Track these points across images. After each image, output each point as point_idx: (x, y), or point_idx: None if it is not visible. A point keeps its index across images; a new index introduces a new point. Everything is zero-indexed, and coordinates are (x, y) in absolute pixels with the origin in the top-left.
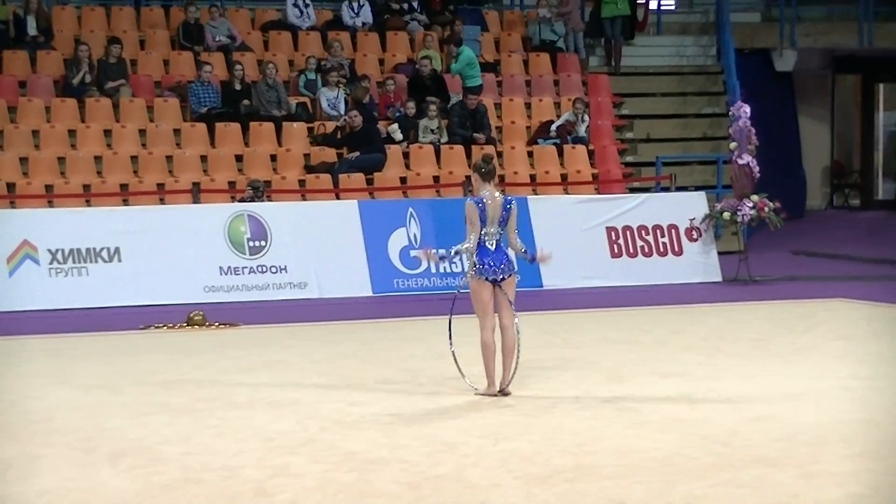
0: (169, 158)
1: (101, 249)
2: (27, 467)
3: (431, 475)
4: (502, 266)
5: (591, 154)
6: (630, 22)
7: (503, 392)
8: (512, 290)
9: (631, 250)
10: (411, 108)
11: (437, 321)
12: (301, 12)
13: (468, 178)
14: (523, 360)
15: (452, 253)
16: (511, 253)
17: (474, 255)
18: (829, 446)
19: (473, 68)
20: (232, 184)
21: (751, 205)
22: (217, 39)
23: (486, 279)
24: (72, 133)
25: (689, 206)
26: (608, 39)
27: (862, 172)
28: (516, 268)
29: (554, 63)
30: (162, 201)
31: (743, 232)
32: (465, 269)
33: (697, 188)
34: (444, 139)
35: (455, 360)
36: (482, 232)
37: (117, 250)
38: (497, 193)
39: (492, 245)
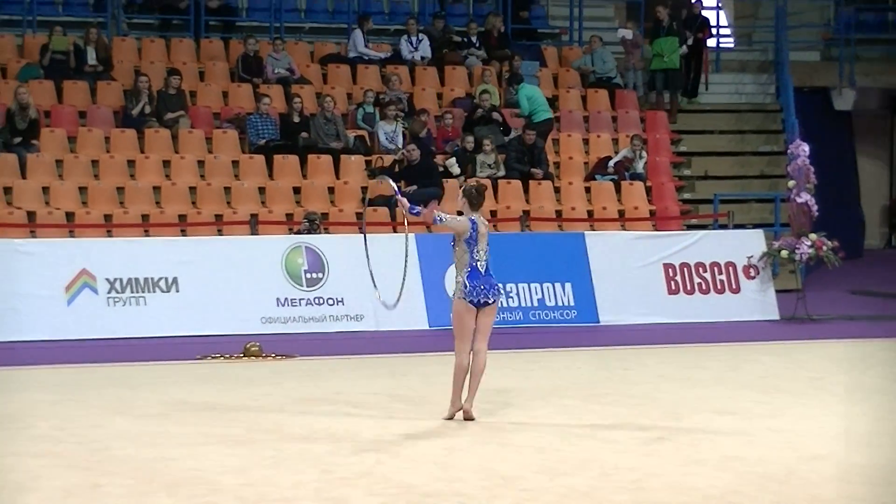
0: (227, 190)
1: (159, 279)
2: (86, 496)
3: None
4: (490, 290)
5: (648, 190)
6: (694, 79)
7: (466, 417)
8: (492, 316)
9: (688, 287)
10: (469, 142)
11: (493, 356)
12: (366, 45)
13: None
14: (584, 395)
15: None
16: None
17: (465, 277)
18: (887, 487)
19: (535, 102)
20: (289, 216)
21: (809, 243)
22: (276, 72)
23: (472, 303)
24: (131, 163)
25: (746, 244)
26: (659, 91)
27: None
28: (501, 295)
29: (612, 99)
30: (220, 232)
31: (801, 270)
32: (453, 293)
33: (755, 226)
34: (501, 173)
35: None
36: (474, 252)
37: (175, 280)
38: (481, 217)
39: (482, 268)
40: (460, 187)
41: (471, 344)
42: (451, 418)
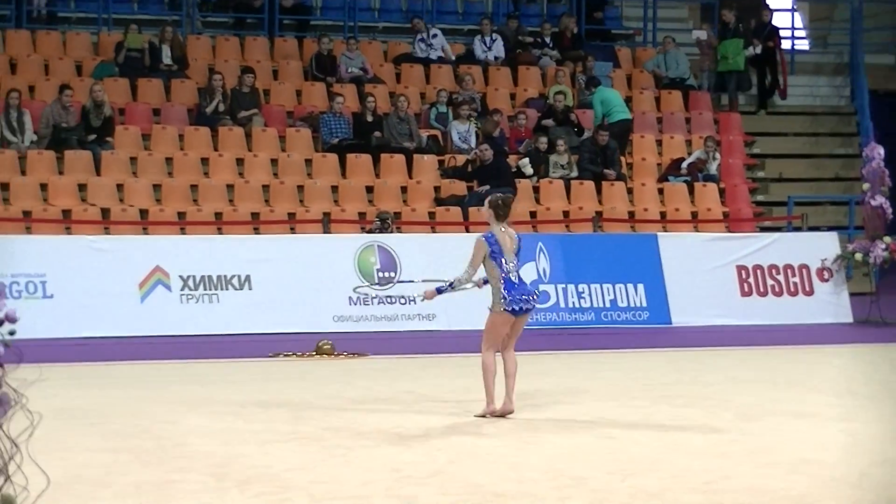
0: (300, 188)
1: (232, 277)
2: (159, 492)
3: None
4: (530, 297)
5: (721, 192)
6: (769, 90)
7: (504, 414)
8: (526, 320)
9: (761, 289)
10: (542, 143)
11: (564, 356)
12: (427, 46)
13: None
14: (655, 396)
15: (448, 285)
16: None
17: (502, 289)
18: None
19: (608, 105)
20: (362, 214)
21: (883, 246)
22: (350, 71)
23: (512, 311)
24: (204, 161)
25: (820, 247)
26: (730, 94)
27: None
28: (538, 299)
29: (685, 100)
30: (292, 230)
31: (875, 273)
32: (490, 304)
33: (829, 228)
34: (574, 174)
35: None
36: (503, 265)
37: (248, 278)
38: (509, 229)
39: (515, 278)
40: (486, 198)
41: (497, 348)
42: (484, 416)
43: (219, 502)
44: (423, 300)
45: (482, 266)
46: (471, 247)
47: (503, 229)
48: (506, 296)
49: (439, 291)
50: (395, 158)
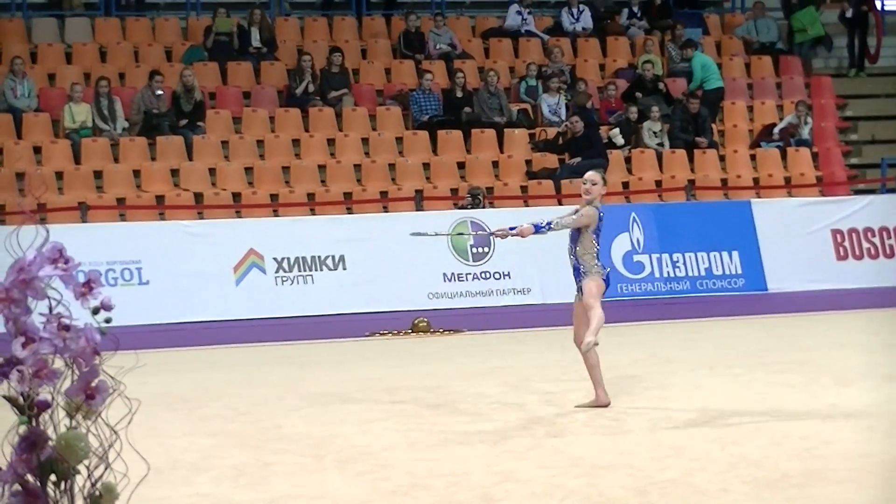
0: (391, 166)
1: (326, 257)
2: (258, 474)
3: (659, 480)
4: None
5: (814, 156)
6: (860, 54)
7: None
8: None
9: (857, 252)
10: (633, 112)
11: (660, 326)
12: (523, 19)
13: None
14: (752, 363)
15: (546, 224)
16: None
17: (597, 259)
18: None
19: (708, 70)
20: (454, 191)
21: None
22: (438, 47)
23: (606, 281)
24: (295, 142)
25: None
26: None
27: None
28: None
29: (776, 65)
30: (385, 209)
31: None
32: (587, 270)
33: None
34: (667, 143)
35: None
36: (598, 240)
37: (342, 258)
38: None
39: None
40: (596, 171)
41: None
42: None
43: (318, 483)
44: (515, 236)
45: (577, 238)
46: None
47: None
48: (604, 265)
49: (537, 229)
50: (485, 133)
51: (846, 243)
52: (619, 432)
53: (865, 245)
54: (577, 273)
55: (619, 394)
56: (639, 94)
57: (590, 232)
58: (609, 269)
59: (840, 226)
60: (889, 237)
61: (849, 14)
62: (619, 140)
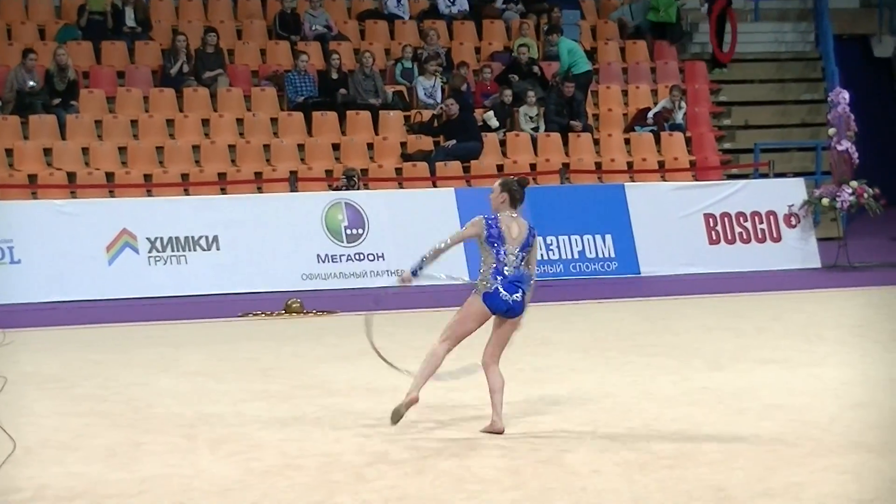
0: (266, 147)
1: (200, 238)
2: (130, 454)
3: (532, 461)
4: (511, 303)
5: (688, 141)
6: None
7: (493, 432)
8: (513, 330)
9: (729, 237)
10: (508, 95)
11: (534, 308)
12: (398, 2)
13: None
14: (626, 346)
15: (422, 260)
16: (528, 288)
17: (489, 277)
18: None
19: (575, 55)
20: (329, 172)
21: (850, 191)
22: (314, 29)
23: (488, 304)
24: (170, 123)
25: (787, 193)
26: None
27: None
28: (525, 308)
29: (651, 50)
30: (259, 190)
31: (842, 218)
32: (476, 284)
33: (796, 175)
34: (542, 127)
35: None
36: (500, 255)
37: (215, 238)
38: (520, 218)
39: (511, 273)
40: (499, 182)
41: (455, 344)
42: (398, 414)
43: (190, 463)
44: (400, 284)
45: (480, 252)
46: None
47: (513, 216)
48: (491, 283)
49: (414, 274)
50: (360, 115)
51: (718, 227)
52: (488, 413)
53: (738, 229)
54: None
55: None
56: (514, 78)
57: (485, 243)
58: (497, 286)
59: (713, 210)
60: (761, 222)
61: (703, 10)
62: (494, 123)
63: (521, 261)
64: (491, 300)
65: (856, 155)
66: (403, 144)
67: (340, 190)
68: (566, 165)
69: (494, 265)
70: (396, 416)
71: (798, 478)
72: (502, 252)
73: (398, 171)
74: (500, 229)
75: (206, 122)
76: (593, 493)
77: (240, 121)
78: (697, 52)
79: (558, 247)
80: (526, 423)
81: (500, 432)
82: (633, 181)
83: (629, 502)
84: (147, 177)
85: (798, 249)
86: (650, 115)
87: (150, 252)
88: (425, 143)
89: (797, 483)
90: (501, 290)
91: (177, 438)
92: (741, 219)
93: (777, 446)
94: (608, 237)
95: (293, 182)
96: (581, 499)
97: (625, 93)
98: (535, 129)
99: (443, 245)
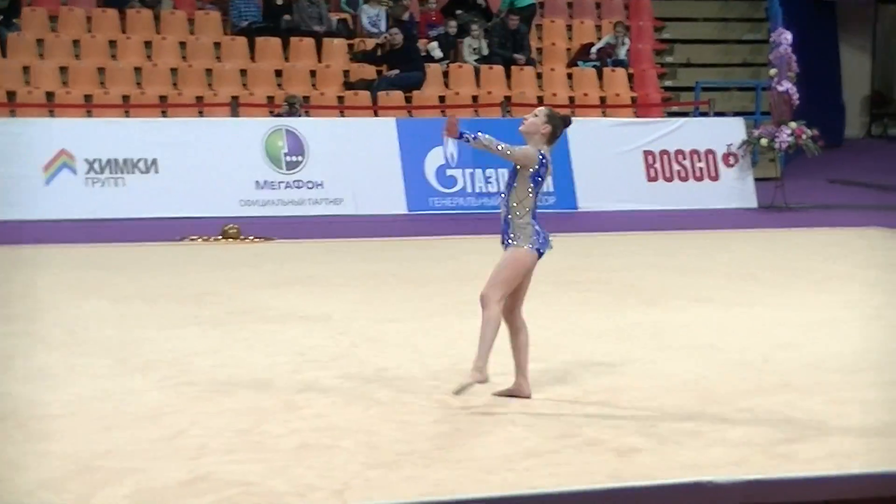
0: (208, 72)
1: (139, 161)
2: (62, 376)
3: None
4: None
5: (630, 78)
6: None
7: (518, 396)
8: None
9: (667, 175)
10: (452, 27)
11: (471, 240)
12: None
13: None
14: (561, 281)
15: (472, 137)
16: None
17: (533, 223)
18: (860, 374)
19: None
20: (271, 98)
21: (789, 132)
22: None
23: (539, 254)
24: (112, 44)
25: (726, 132)
26: None
27: None
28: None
29: None
30: (200, 114)
31: (780, 159)
32: (514, 238)
33: (736, 114)
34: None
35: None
36: (538, 196)
37: (154, 162)
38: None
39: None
40: (546, 114)
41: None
42: (465, 388)
43: (121, 387)
44: (444, 132)
45: (512, 182)
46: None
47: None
48: (539, 230)
49: (461, 136)
50: (304, 42)
51: (657, 165)
52: (423, 344)
53: (676, 167)
54: (506, 228)
55: (427, 309)
56: (459, 11)
57: (528, 179)
58: (544, 236)
59: (652, 147)
60: (700, 160)
61: None
62: (438, 53)
63: None
64: (543, 248)
65: (796, 96)
66: (346, 73)
67: (282, 116)
68: (508, 98)
69: (531, 208)
70: (461, 390)
71: (726, 415)
72: (539, 193)
73: (340, 99)
74: (547, 169)
75: (148, 45)
76: (523, 426)
77: (182, 44)
78: None
79: (497, 179)
80: (456, 356)
81: (527, 397)
82: (575, 116)
83: (558, 436)
84: (88, 97)
85: (735, 189)
86: (593, 50)
87: (87, 173)
88: (368, 71)
89: (725, 420)
90: (546, 236)
91: (109, 361)
92: (680, 157)
93: (707, 384)
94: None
95: (234, 107)
96: (511, 433)
97: (569, 27)
98: (479, 62)
99: (496, 146)
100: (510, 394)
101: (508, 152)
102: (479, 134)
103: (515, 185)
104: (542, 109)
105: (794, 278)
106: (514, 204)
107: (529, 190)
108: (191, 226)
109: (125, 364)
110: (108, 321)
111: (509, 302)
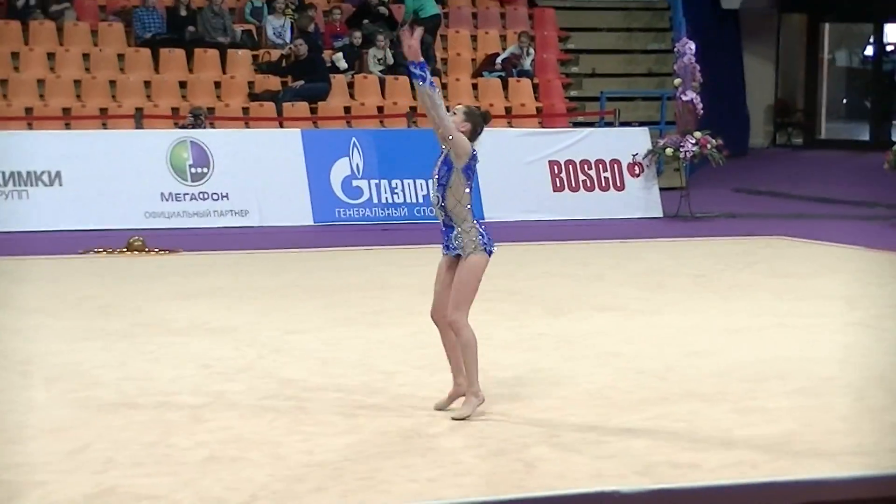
0: (112, 83)
1: (42, 173)
2: None
3: (368, 404)
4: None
5: (535, 88)
6: None
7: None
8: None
9: (573, 185)
10: (357, 37)
11: (377, 252)
12: None
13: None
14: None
15: (430, 82)
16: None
17: (476, 224)
18: (765, 383)
19: (420, 0)
20: (175, 110)
21: (693, 141)
22: None
23: (489, 253)
24: (15, 56)
25: (632, 142)
26: None
27: (805, 112)
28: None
29: None
30: (104, 126)
31: (685, 168)
32: (463, 244)
33: (641, 124)
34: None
35: None
36: (471, 190)
37: (58, 174)
38: None
39: None
40: (464, 110)
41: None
42: (470, 415)
43: (24, 400)
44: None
45: (448, 176)
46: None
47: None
48: (481, 230)
49: (421, 67)
50: (209, 53)
51: (563, 175)
52: (331, 356)
53: (581, 177)
54: (449, 234)
55: (333, 320)
56: (365, 21)
57: (462, 173)
58: (488, 234)
59: (558, 157)
60: (605, 170)
61: None
62: (343, 64)
63: None
64: (490, 246)
65: (700, 106)
66: (251, 84)
67: (186, 128)
68: (413, 109)
69: (470, 205)
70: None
71: (632, 424)
72: (470, 188)
73: (245, 110)
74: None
75: (51, 56)
76: (427, 436)
77: (86, 56)
78: None
79: (403, 191)
80: (364, 366)
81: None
82: None
83: (463, 447)
84: None
85: (641, 198)
86: (499, 60)
87: None
88: (273, 82)
89: (630, 430)
90: (489, 235)
91: (11, 375)
92: (585, 166)
93: (611, 393)
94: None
95: (139, 119)
96: (415, 443)
97: (474, 38)
98: (384, 72)
99: (438, 109)
100: (453, 398)
101: (447, 123)
102: (436, 87)
103: (450, 183)
104: (459, 107)
105: (700, 287)
106: (453, 206)
107: (466, 186)
108: (96, 238)
109: (29, 377)
110: (11, 334)
111: (443, 304)
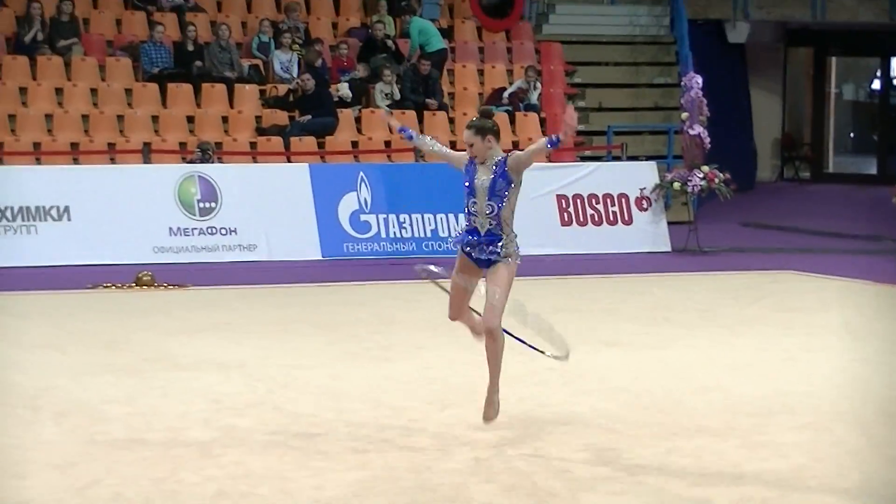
0: (120, 118)
1: (51, 208)
2: None
3: (377, 439)
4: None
5: (542, 122)
6: None
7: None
8: (497, 280)
9: (581, 219)
10: (364, 71)
11: (385, 286)
12: None
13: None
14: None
15: (409, 135)
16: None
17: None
18: (774, 417)
19: (426, 35)
20: (183, 144)
21: (701, 175)
22: (170, 0)
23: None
24: (23, 91)
25: (639, 176)
26: None
27: (812, 145)
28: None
29: (507, 30)
30: (112, 161)
31: (693, 202)
32: (511, 256)
33: (648, 158)
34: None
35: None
36: (470, 204)
37: (67, 209)
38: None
39: (482, 228)
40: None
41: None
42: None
43: (33, 435)
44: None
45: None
46: (292, 177)
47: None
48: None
49: (401, 130)
50: (216, 88)
51: (570, 209)
52: (340, 391)
53: (589, 211)
54: (494, 240)
55: (342, 355)
56: (372, 56)
57: (519, 184)
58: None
59: (565, 191)
60: (613, 204)
61: None
62: (347, 94)
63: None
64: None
65: (707, 139)
66: (258, 118)
67: (194, 163)
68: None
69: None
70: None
71: (640, 460)
72: (470, 202)
73: (252, 144)
74: (476, 178)
75: (59, 91)
76: (438, 472)
77: (94, 90)
78: (554, 34)
79: (411, 225)
80: (372, 401)
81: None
82: None
83: (473, 484)
84: None
85: (649, 232)
86: (505, 94)
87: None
88: (280, 117)
89: (639, 465)
90: (471, 239)
91: (20, 410)
92: (593, 201)
93: (620, 427)
94: (461, 216)
95: (146, 154)
96: (426, 478)
97: (481, 72)
98: (391, 106)
99: (429, 142)
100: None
101: (439, 149)
102: (417, 136)
103: (508, 195)
104: (468, 133)
105: (708, 322)
106: (507, 216)
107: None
108: (104, 273)
109: (37, 412)
110: (20, 369)
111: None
